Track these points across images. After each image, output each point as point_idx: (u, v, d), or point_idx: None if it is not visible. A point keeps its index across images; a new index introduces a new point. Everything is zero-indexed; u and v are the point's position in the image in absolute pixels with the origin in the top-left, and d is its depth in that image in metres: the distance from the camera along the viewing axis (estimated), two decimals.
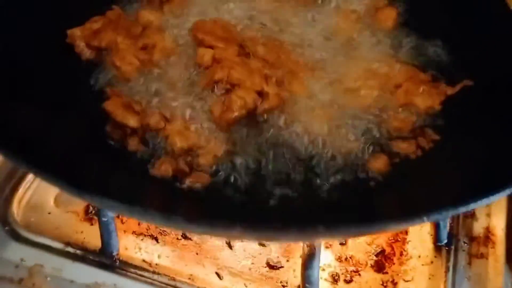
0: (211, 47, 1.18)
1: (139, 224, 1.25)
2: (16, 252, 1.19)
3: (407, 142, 1.14)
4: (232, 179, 1.07)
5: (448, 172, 1.01)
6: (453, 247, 1.25)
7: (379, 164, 1.10)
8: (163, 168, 1.06)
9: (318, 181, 1.08)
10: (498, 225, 1.30)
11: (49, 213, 1.28)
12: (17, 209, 1.28)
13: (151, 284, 1.17)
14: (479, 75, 1.16)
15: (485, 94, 1.13)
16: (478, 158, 0.99)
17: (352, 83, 1.20)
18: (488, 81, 1.14)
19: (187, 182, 1.05)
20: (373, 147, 1.13)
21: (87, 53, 1.22)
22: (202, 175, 1.06)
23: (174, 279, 1.18)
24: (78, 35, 1.22)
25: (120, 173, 1.03)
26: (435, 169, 1.07)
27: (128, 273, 1.18)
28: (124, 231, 1.24)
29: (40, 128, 1.00)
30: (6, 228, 1.24)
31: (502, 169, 0.89)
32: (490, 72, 1.16)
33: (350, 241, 1.24)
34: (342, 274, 1.20)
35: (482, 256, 1.23)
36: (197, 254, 1.22)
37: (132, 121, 1.07)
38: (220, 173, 1.08)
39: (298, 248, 1.18)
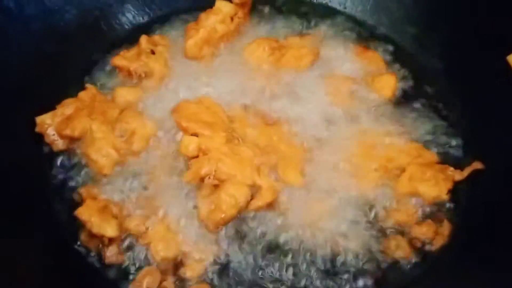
0: (196, 134, 1.06)
1: None
2: None
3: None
4: None
5: None
6: None
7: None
8: (145, 284, 0.93)
9: None
10: None
11: None
12: None
13: None
14: (490, 157, 1.05)
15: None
16: None
17: (352, 167, 1.09)
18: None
19: None
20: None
21: (59, 144, 1.10)
22: None
23: None
24: (48, 123, 1.10)
25: None
26: None
27: None
28: None
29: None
30: None
31: None
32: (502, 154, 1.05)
33: None
34: None
35: None
36: None
37: (110, 230, 0.96)
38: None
39: None
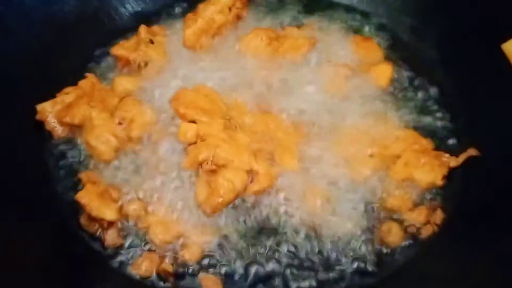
0: (194, 121, 1.07)
1: None
2: None
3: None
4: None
5: None
6: None
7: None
8: (144, 267, 0.95)
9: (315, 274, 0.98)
10: None
11: None
12: None
13: None
14: (485, 144, 1.07)
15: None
16: None
17: (347, 153, 1.10)
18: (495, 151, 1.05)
19: None
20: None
21: (59, 131, 1.12)
22: None
23: None
24: (49, 111, 1.12)
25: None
26: None
27: None
28: None
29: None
30: None
31: None
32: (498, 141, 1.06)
33: None
34: None
35: None
36: None
37: (110, 214, 0.98)
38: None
39: None
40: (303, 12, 1.41)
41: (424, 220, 1.04)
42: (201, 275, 0.96)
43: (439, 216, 1.04)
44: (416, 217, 1.04)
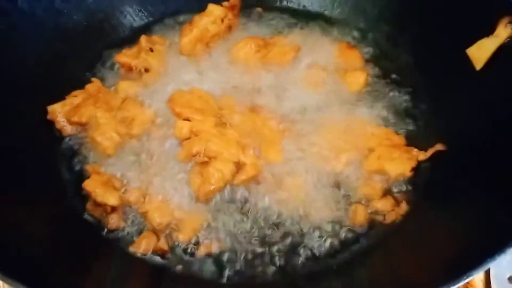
0: (188, 119, 1.20)
1: None
2: None
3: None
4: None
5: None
6: None
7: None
8: (143, 246, 1.07)
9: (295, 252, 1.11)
10: (477, 276, 1.31)
11: None
12: None
13: None
14: (451, 139, 1.19)
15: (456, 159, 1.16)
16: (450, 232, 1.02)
17: (326, 148, 1.23)
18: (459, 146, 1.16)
19: None
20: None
21: (68, 129, 1.24)
22: None
23: None
24: (58, 111, 1.25)
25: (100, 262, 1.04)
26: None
27: None
28: None
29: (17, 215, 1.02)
30: None
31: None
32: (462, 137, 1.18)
33: None
34: None
35: None
36: None
37: (113, 200, 1.09)
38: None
39: None
40: (290, 23, 1.54)
41: (391, 208, 1.15)
42: None
43: (403, 208, 1.15)
44: (384, 205, 1.15)
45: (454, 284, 0.79)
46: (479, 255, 0.83)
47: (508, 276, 1.19)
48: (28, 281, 0.80)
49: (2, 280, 0.81)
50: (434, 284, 0.80)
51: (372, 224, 1.15)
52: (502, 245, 0.83)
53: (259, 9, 1.56)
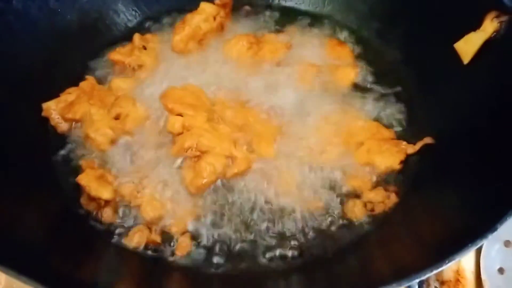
0: (180, 115, 1.22)
1: None
2: None
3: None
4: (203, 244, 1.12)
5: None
6: None
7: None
8: (136, 239, 1.09)
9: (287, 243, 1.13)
10: (468, 268, 1.33)
11: None
12: None
13: None
14: (439, 133, 1.21)
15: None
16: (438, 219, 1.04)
17: (317, 142, 1.25)
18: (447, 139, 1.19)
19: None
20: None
21: (62, 126, 1.26)
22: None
23: None
24: (53, 108, 1.27)
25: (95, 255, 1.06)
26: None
27: None
28: None
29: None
30: None
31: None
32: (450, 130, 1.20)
33: None
34: None
35: None
36: None
37: (106, 194, 1.11)
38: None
39: None
40: (281, 20, 1.57)
41: (381, 199, 1.17)
42: None
43: (392, 200, 1.17)
44: (374, 197, 1.17)
45: (438, 267, 0.81)
46: (462, 240, 0.85)
47: (498, 267, 1.20)
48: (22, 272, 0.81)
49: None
50: (421, 267, 0.82)
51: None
52: (484, 231, 0.86)
53: (250, 7, 1.57)
